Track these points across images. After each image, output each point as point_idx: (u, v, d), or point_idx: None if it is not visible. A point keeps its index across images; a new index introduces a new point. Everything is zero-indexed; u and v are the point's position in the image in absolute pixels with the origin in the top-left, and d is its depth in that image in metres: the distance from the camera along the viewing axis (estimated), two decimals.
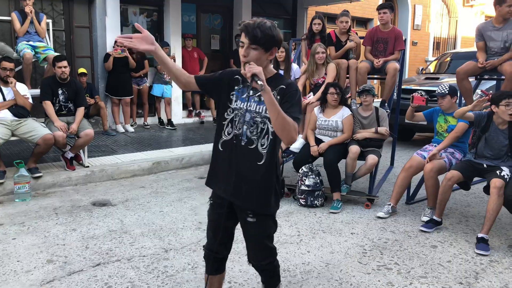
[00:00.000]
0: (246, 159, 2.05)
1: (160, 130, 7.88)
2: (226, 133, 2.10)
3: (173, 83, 8.16)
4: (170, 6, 8.40)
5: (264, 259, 2.22)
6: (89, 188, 4.94)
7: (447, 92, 4.20)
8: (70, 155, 5.18)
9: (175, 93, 8.44)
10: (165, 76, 7.97)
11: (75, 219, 3.97)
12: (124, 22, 8.24)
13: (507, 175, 3.62)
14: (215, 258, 2.27)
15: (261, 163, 2.04)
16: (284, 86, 2.00)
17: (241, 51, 1.97)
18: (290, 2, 10.80)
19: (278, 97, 1.98)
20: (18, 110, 4.86)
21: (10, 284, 2.82)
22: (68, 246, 3.40)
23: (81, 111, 5.26)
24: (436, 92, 4.33)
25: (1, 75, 4.83)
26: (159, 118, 8.30)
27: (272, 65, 2.11)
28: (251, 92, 2.03)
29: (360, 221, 4.11)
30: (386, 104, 5.23)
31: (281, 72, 5.44)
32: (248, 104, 2.05)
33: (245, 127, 2.05)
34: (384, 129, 4.60)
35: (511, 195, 3.49)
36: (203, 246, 2.34)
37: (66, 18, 7.53)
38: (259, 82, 1.79)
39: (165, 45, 8.06)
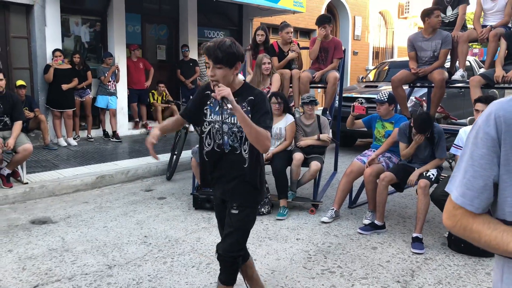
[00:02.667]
0: (232, 164, 2.29)
1: (105, 143, 7.68)
2: (207, 144, 2.33)
3: (118, 94, 8.01)
4: (114, 16, 8.24)
5: (232, 251, 2.35)
6: (28, 205, 4.72)
7: (385, 99, 4.42)
8: (6, 171, 4.93)
9: (121, 104, 8.26)
10: (109, 87, 7.79)
11: (12, 240, 3.77)
12: (66, 33, 7.98)
13: (433, 174, 3.88)
14: None
15: (245, 165, 2.28)
16: (252, 98, 2.22)
17: (208, 72, 2.18)
18: (235, 13, 10.94)
19: (249, 108, 2.20)
20: None
21: None
22: (2, 268, 3.23)
23: (18, 125, 5.03)
24: (376, 99, 4.56)
25: None
26: (104, 130, 8.08)
27: (238, 77, 2.29)
28: (224, 112, 2.24)
29: (305, 226, 4.22)
30: (327, 111, 5.43)
31: None
32: (223, 116, 2.26)
33: (225, 137, 2.27)
34: (326, 136, 4.77)
35: (437, 194, 3.72)
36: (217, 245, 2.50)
37: (2, 28, 7.18)
38: (229, 106, 2.02)
39: (108, 55, 7.90)
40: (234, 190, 2.31)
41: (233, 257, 2.36)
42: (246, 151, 2.26)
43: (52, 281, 3.05)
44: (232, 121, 2.23)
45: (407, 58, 5.49)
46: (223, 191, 2.36)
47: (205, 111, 2.31)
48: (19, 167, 5.07)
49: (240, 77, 2.34)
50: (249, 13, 10.75)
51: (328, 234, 4.04)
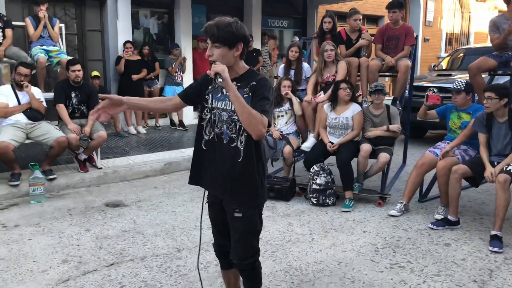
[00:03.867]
0: (227, 157, 2.10)
1: (172, 131, 7.94)
2: (207, 133, 2.15)
3: (185, 85, 8.22)
4: (181, 8, 8.46)
5: (246, 258, 2.20)
6: (102, 189, 5.00)
7: (462, 88, 4.14)
8: (83, 157, 5.25)
9: None
10: (176, 77, 8.02)
11: (89, 220, 4.02)
12: (135, 25, 8.31)
13: None
14: (224, 252, 2.32)
15: (240, 160, 2.08)
16: (254, 82, 2.03)
17: (207, 51, 2.05)
18: (300, 1, 10.79)
19: (250, 94, 2.02)
20: (33, 113, 4.95)
21: (27, 284, 2.87)
22: (82, 246, 3.45)
23: None
24: (451, 87, 4.28)
25: (16, 80, 4.93)
26: (171, 120, 8.36)
27: (243, 62, 2.11)
28: (216, 87, 2.07)
29: (372, 219, 4.09)
30: (397, 101, 5.19)
31: (292, 71, 5.45)
32: (224, 103, 2.08)
33: (225, 125, 2.08)
34: (396, 126, 4.57)
35: None
36: (213, 244, 2.41)
37: (78, 22, 7.64)
38: (219, 80, 1.88)
39: (175, 46, 8.13)
40: (233, 190, 2.10)
41: (251, 263, 2.22)
42: (242, 143, 2.06)
43: (126, 261, 3.20)
44: (233, 108, 2.02)
45: (484, 45, 5.10)
46: (222, 190, 2.14)
47: (206, 96, 2.14)
48: (94, 153, 5.38)
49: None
50: (314, 0, 10.56)
51: (396, 228, 3.88)
